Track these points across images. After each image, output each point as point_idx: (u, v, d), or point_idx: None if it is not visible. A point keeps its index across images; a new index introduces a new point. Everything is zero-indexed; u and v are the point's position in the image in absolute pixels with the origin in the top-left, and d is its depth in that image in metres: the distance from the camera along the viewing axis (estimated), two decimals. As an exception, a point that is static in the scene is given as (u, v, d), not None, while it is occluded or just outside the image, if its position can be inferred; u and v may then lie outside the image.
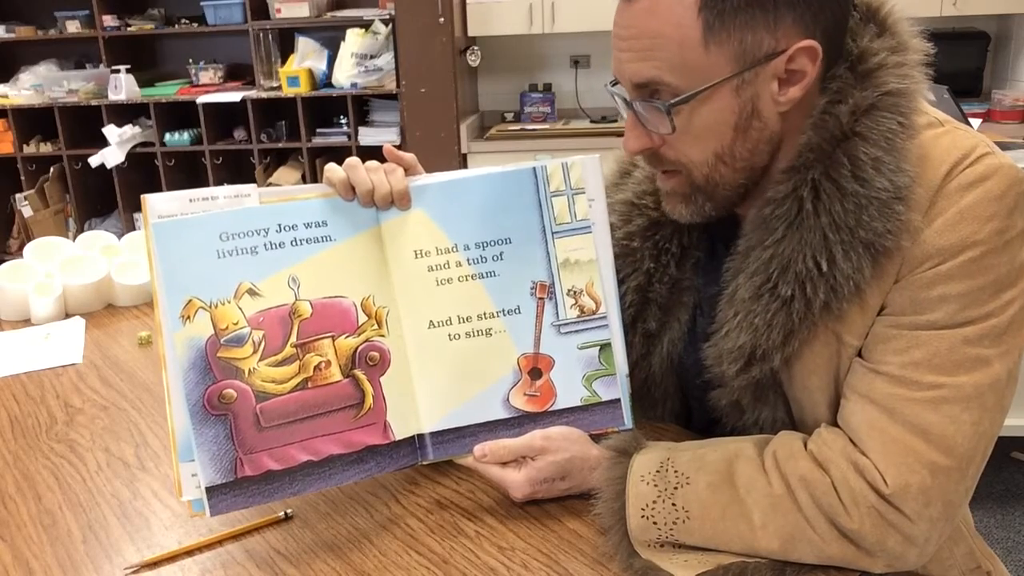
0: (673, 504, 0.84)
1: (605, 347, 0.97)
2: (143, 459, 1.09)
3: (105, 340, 1.49)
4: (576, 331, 0.96)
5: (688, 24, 0.80)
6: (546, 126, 3.80)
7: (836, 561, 0.81)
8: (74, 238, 1.76)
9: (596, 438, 0.94)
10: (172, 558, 0.88)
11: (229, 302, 0.87)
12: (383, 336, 0.93)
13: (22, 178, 4.04)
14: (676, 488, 0.85)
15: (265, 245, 0.89)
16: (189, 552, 0.89)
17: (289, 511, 0.94)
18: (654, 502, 0.84)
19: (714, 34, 0.80)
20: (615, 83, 0.89)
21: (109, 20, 3.87)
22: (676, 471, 0.86)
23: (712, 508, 0.83)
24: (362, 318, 0.92)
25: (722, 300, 0.91)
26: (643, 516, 0.84)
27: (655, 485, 0.85)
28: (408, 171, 0.96)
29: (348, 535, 0.91)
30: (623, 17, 0.84)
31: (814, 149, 0.83)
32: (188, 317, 0.86)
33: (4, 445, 1.14)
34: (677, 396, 1.06)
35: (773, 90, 0.83)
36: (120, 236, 1.77)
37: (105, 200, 4.12)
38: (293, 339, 0.89)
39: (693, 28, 0.80)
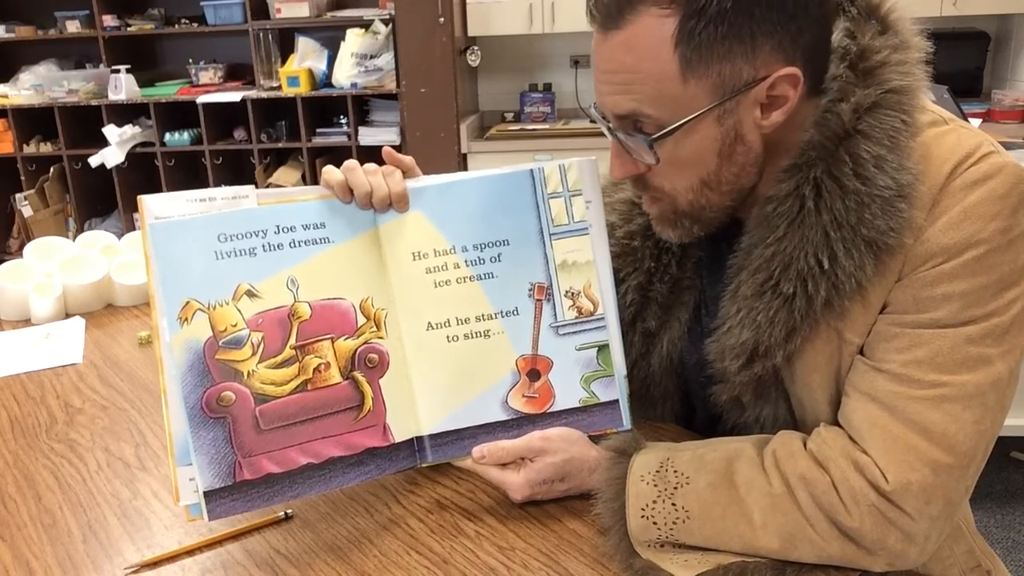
0: (673, 504, 0.84)
1: (603, 348, 0.97)
2: (143, 459, 1.09)
3: (105, 340, 1.49)
4: (574, 332, 0.96)
5: (665, 59, 0.79)
6: (546, 126, 3.80)
7: (836, 560, 0.81)
8: (74, 238, 1.76)
9: (595, 439, 0.94)
10: (172, 558, 0.88)
11: (227, 304, 0.87)
12: (382, 338, 0.93)
13: (22, 178, 4.04)
14: (676, 488, 0.85)
15: (264, 246, 0.88)
16: (189, 552, 0.89)
17: (289, 511, 0.94)
18: (654, 502, 0.84)
19: (692, 68, 0.79)
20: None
21: (109, 20, 3.87)
22: (676, 471, 0.86)
23: (712, 508, 0.83)
24: (361, 320, 0.92)
25: (725, 297, 0.91)
26: (643, 516, 0.84)
27: (655, 485, 0.85)
28: (406, 174, 0.96)
29: (348, 535, 0.91)
30: (601, 50, 0.84)
31: (816, 147, 0.83)
32: (186, 319, 0.85)
33: (4, 445, 1.14)
34: (677, 395, 1.06)
35: (756, 116, 0.83)
36: (120, 236, 1.77)
37: (105, 200, 4.12)
38: (292, 341, 0.89)
39: (670, 63, 0.80)
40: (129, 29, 3.91)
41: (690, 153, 0.84)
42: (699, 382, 0.99)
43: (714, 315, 0.94)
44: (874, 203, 0.80)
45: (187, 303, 0.86)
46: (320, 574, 0.85)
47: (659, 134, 0.82)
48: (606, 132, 0.89)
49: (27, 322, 1.58)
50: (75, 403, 1.26)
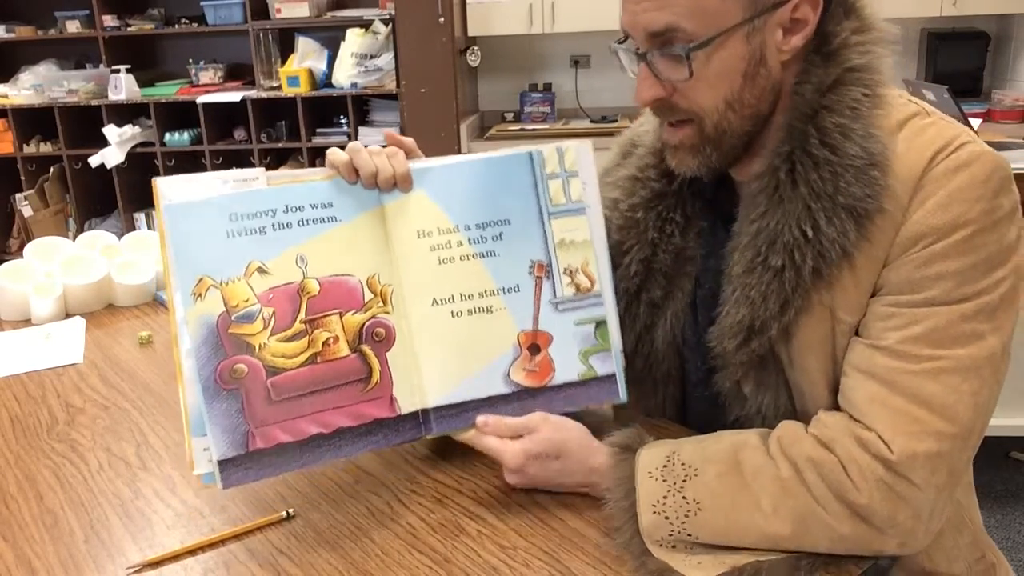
0: (684, 497, 0.84)
1: (601, 324, 0.99)
2: (144, 459, 1.09)
3: (105, 340, 1.49)
4: (573, 308, 0.99)
5: None
6: (546, 126, 3.81)
7: (849, 542, 0.82)
8: (74, 238, 1.76)
9: (597, 432, 0.94)
10: (174, 557, 0.88)
11: (239, 280, 0.89)
12: (388, 313, 0.95)
13: (22, 178, 4.04)
14: (685, 480, 0.85)
15: (273, 225, 0.91)
16: (191, 551, 0.89)
17: (291, 510, 0.94)
18: (664, 497, 0.85)
19: None
20: (622, 40, 0.91)
21: (109, 20, 3.88)
22: (683, 463, 0.86)
23: (723, 497, 0.83)
24: (368, 295, 0.94)
25: (723, 280, 0.93)
26: (655, 512, 0.84)
27: (663, 480, 0.86)
28: (408, 154, 0.98)
29: (350, 534, 0.91)
30: None
31: (787, 127, 0.88)
32: (199, 295, 0.88)
33: (5, 445, 1.14)
34: (678, 377, 1.07)
35: (778, 38, 0.87)
36: (120, 236, 1.77)
37: (105, 200, 4.12)
38: (302, 315, 0.91)
39: None
40: (129, 29, 3.92)
41: (719, 70, 0.87)
42: (696, 368, 1.00)
43: (707, 289, 0.97)
44: (847, 172, 0.85)
45: (200, 279, 0.88)
46: (322, 573, 0.85)
47: (696, 44, 0.85)
48: (630, 61, 0.91)
49: (27, 322, 1.58)
50: (76, 403, 1.26)
